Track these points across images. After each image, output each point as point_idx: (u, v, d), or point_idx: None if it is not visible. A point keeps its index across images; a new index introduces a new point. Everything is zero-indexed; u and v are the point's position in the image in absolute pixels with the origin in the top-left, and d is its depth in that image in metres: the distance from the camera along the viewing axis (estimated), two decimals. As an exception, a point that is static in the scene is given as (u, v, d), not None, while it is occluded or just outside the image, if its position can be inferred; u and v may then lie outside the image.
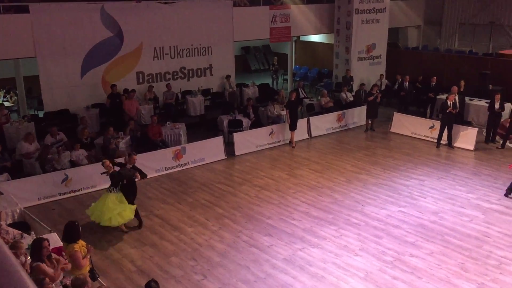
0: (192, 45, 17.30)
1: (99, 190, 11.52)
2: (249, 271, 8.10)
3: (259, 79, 21.69)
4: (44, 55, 14.26)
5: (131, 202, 9.47)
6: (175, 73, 17.22)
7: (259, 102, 17.41)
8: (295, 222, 9.83)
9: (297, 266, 8.21)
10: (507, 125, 14.36)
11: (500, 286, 7.60)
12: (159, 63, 16.75)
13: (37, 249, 6.24)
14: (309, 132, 15.67)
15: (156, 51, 16.58)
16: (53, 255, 6.53)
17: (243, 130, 14.67)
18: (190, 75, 17.64)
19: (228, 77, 18.17)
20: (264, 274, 8.02)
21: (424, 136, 15.33)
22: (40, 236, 7.10)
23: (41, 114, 15.70)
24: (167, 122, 14.34)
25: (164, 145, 13.33)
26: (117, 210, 9.15)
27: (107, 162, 9.37)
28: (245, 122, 15.00)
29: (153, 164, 12.37)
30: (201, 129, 15.34)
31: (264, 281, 7.81)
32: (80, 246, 6.70)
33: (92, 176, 11.47)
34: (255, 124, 15.13)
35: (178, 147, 13.08)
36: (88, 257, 6.80)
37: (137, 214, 9.62)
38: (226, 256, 8.57)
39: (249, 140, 14.28)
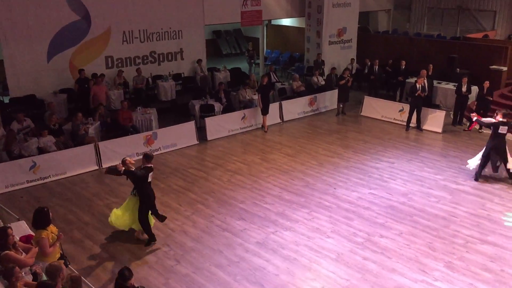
0: (162, 28, 17.02)
1: (69, 177, 11.35)
2: (222, 255, 8.13)
3: (230, 64, 21.54)
4: (7, 39, 13.78)
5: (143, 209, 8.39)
6: (145, 58, 16.93)
7: (230, 87, 17.32)
8: (268, 206, 9.89)
9: (270, 249, 8.29)
10: (474, 107, 14.70)
11: (466, 264, 7.85)
12: (128, 47, 16.43)
13: (2, 238, 6.10)
14: (281, 116, 15.72)
15: (125, 35, 16.24)
16: (21, 244, 6.40)
17: (215, 115, 14.60)
18: (161, 60, 17.38)
19: (199, 61, 17.98)
20: (237, 257, 8.06)
21: (394, 119, 15.58)
22: (3, 225, 6.95)
23: (6, 100, 15.25)
24: (138, 107, 14.14)
25: (135, 130, 13.16)
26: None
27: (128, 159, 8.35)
28: (217, 106, 14.92)
29: (124, 149, 12.21)
30: (173, 114, 15.19)
31: (238, 265, 7.86)
32: (50, 233, 6.58)
33: (62, 163, 11.27)
34: (227, 109, 15.07)
35: (149, 132, 12.93)
36: (57, 244, 6.69)
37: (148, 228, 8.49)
38: (199, 241, 8.58)
39: (221, 125, 14.23)
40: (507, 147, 10.81)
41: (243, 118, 14.68)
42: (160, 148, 12.93)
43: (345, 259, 8.02)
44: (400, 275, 7.57)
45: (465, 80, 14.74)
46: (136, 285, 6.05)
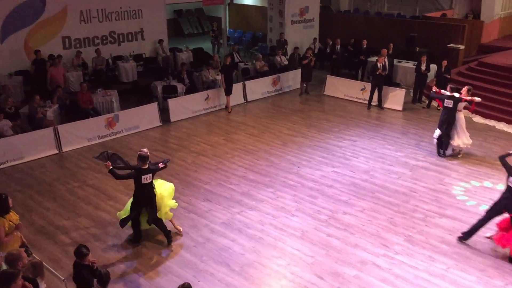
0: (121, 8, 16.59)
1: (27, 162, 11.02)
2: (188, 236, 8.13)
3: (193, 44, 21.24)
4: (-44, 19, 13.16)
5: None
6: (104, 38, 16.49)
7: (193, 67, 17.10)
8: (233, 187, 9.91)
9: (236, 229, 8.34)
10: (433, 85, 15.04)
11: (425, 238, 8.13)
12: (86, 27, 15.95)
13: None
14: (245, 97, 15.67)
15: (83, 15, 15.76)
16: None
17: (178, 96, 14.42)
18: (121, 40, 16.97)
19: (160, 41, 17.65)
20: (203, 239, 8.08)
21: (356, 98, 15.80)
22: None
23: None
24: (98, 89, 13.81)
25: (96, 113, 12.86)
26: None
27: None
28: (180, 87, 14.73)
29: (84, 133, 11.95)
30: (134, 95, 14.91)
31: (204, 246, 7.88)
32: (7, 221, 6.38)
33: (19, 147, 10.93)
34: (190, 90, 14.90)
35: (111, 114, 12.66)
36: (16, 233, 6.48)
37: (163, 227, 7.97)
38: (165, 223, 8.52)
39: (184, 106, 14.08)
40: (458, 124, 11.09)
41: (206, 99, 14.56)
42: (122, 130, 12.69)
43: (310, 236, 8.16)
44: (362, 250, 7.77)
45: (424, 58, 15.04)
46: (95, 264, 5.93)
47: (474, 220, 8.10)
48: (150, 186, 7.62)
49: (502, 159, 7.70)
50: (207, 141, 12.40)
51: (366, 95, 15.30)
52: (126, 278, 7.12)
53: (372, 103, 15.07)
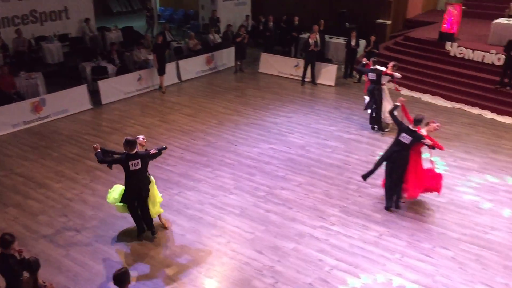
0: (42, -16, 15.63)
1: None
2: (125, 221, 7.95)
3: (122, 23, 20.48)
4: None
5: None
6: (25, 17, 15.52)
7: (124, 47, 16.53)
8: (170, 168, 9.78)
9: (175, 211, 8.26)
10: (362, 60, 15.47)
11: (359, 208, 8.45)
12: (4, 6, 14.93)
13: None
14: (179, 76, 15.40)
15: (-1, -8, 14.70)
16: None
17: (109, 77, 13.91)
18: (43, 19, 16.05)
19: (87, 20, 16.87)
20: (141, 222, 7.94)
21: (290, 74, 15.97)
22: None
23: None
24: (21, 72, 13.03)
25: (20, 97, 12.15)
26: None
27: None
28: (110, 68, 14.21)
29: (8, 119, 11.30)
30: (62, 78, 14.21)
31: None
32: None
33: None
34: (121, 70, 14.39)
35: (37, 98, 12.02)
36: None
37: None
38: (100, 209, 8.30)
39: (116, 88, 13.61)
40: (385, 97, 11.45)
41: (139, 79, 14.16)
42: (50, 115, 12.11)
43: (249, 213, 8.25)
44: (300, 223, 7.96)
45: (353, 34, 15.41)
46: (22, 253, 5.48)
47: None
48: (141, 174, 7.10)
49: (392, 114, 8.34)
50: (142, 122, 12.11)
51: (300, 72, 15.50)
52: (62, 267, 6.88)
53: (306, 79, 15.30)
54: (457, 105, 13.49)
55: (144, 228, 7.53)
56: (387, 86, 11.61)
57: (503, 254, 7.24)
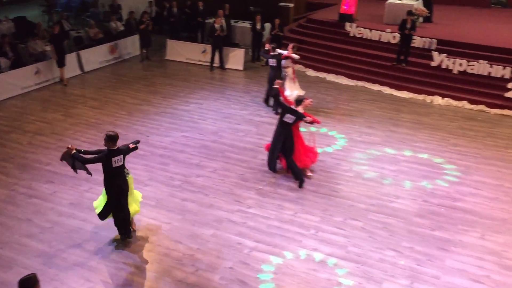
0: None
1: None
2: (32, 223, 7.50)
3: (13, 13, 18.99)
4: None
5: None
6: None
7: (17, 39, 15.37)
8: (78, 164, 9.33)
9: (86, 208, 7.92)
10: (268, 43, 15.70)
11: (274, 188, 8.64)
12: None
13: None
14: (81, 67, 14.68)
15: None
16: None
17: (2, 72, 12.90)
18: None
19: (-29, 11, 15.45)
20: (50, 223, 7.53)
21: (198, 60, 15.85)
22: None
23: None
24: None
25: None
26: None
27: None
28: (3, 62, 13.17)
29: None
30: None
31: (51, 230, 7.35)
32: None
33: None
34: (16, 64, 13.39)
35: None
36: None
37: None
38: (2, 213, 7.74)
39: (11, 83, 12.68)
40: (288, 79, 11.72)
41: (36, 72, 13.30)
42: None
43: (165, 203, 8.12)
44: (218, 209, 7.98)
45: (258, 18, 15.58)
46: None
47: (314, 165, 8.98)
48: (122, 171, 6.74)
49: (276, 95, 8.92)
50: (43, 118, 11.41)
51: (208, 57, 15.43)
52: (-37, 280, 6.36)
53: (214, 65, 15.26)
54: (360, 83, 14.17)
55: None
56: (292, 68, 11.89)
57: (407, 220, 7.78)
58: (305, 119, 8.47)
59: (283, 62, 11.55)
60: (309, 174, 8.96)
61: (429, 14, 16.01)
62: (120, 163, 6.68)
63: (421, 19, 15.31)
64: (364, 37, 15.32)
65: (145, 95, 13.01)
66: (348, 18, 15.87)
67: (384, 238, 7.32)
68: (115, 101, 12.55)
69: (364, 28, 15.35)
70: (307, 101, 8.81)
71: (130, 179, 7.11)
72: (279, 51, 11.67)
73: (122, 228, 7.09)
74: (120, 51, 15.97)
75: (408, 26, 13.43)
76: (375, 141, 10.54)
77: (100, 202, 7.10)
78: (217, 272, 6.57)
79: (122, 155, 6.68)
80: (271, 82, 11.59)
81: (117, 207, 6.87)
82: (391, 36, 14.69)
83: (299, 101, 8.64)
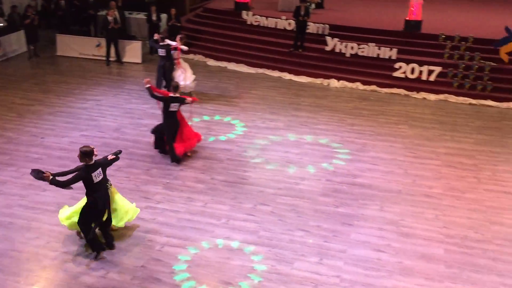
0: None
1: None
2: None
3: None
4: None
5: None
6: None
7: None
8: (-36, 174, 8.55)
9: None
10: (166, 34, 15.41)
11: (182, 181, 8.55)
12: None
13: None
14: (-41, 68, 13.40)
15: None
16: None
17: None
18: None
19: None
20: None
21: (93, 55, 15.16)
22: None
23: None
24: None
25: None
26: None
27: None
28: None
29: None
30: None
31: None
32: None
33: None
34: None
35: None
36: None
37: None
38: None
39: None
40: (179, 69, 11.81)
41: None
42: None
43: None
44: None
45: (153, 8, 15.22)
46: None
47: (221, 155, 9.09)
48: (104, 184, 6.50)
49: (153, 96, 8.92)
50: None
51: (103, 52, 14.82)
52: None
53: (111, 59, 14.70)
54: (260, 70, 14.42)
55: (113, 239, 6.91)
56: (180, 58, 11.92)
57: (313, 200, 8.10)
58: (187, 100, 8.91)
59: (174, 53, 11.64)
60: (189, 154, 9.33)
61: (321, 1, 16.66)
62: (101, 177, 6.45)
63: (313, 6, 15.87)
64: (261, 24, 15.57)
65: (36, 95, 12.19)
66: (244, 6, 16.02)
67: (293, 220, 7.56)
68: (3, 103, 11.65)
69: (261, 16, 15.59)
70: (190, 99, 9.14)
71: (114, 190, 7.04)
72: (168, 41, 11.65)
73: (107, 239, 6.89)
74: (5, 49, 14.82)
75: (302, 12, 13.86)
76: (278, 126, 10.80)
77: (70, 214, 6.85)
78: (129, 273, 6.37)
79: (100, 168, 6.42)
80: (160, 71, 11.84)
81: (107, 220, 6.74)
82: (287, 23, 15.08)
83: (176, 87, 8.96)
